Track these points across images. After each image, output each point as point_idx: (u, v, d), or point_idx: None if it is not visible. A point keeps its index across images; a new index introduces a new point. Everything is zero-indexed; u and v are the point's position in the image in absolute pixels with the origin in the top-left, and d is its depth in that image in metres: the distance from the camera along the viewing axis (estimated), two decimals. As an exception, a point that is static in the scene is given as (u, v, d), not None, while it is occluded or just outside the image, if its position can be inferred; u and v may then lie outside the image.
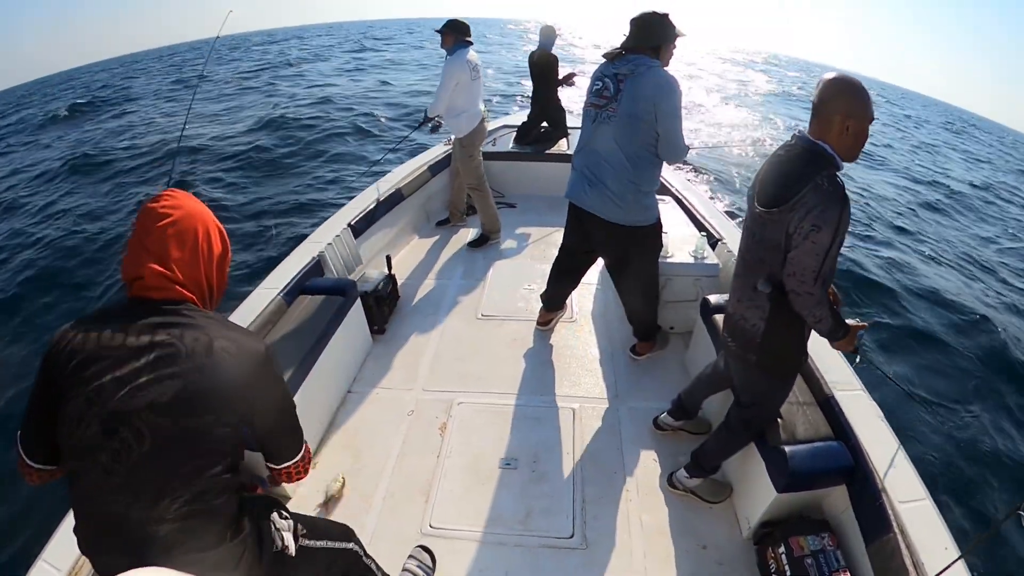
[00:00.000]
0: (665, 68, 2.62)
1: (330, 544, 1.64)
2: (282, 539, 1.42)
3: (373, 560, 1.85)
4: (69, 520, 1.84)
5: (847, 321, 1.85)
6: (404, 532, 2.44)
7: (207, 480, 1.18)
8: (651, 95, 2.54)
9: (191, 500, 1.15)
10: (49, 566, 1.76)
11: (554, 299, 3.65)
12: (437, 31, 4.25)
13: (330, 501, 2.56)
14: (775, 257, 1.80)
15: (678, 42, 2.69)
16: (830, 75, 1.70)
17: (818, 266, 1.66)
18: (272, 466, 1.45)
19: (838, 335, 1.82)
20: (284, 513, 1.49)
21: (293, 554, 1.43)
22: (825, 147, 1.68)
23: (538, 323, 3.78)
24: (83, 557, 1.67)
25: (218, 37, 3.12)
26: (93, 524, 1.17)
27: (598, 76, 2.75)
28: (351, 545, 1.73)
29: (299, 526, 1.51)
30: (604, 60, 2.75)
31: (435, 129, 4.54)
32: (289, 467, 1.45)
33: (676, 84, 2.57)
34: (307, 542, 1.54)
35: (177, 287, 1.21)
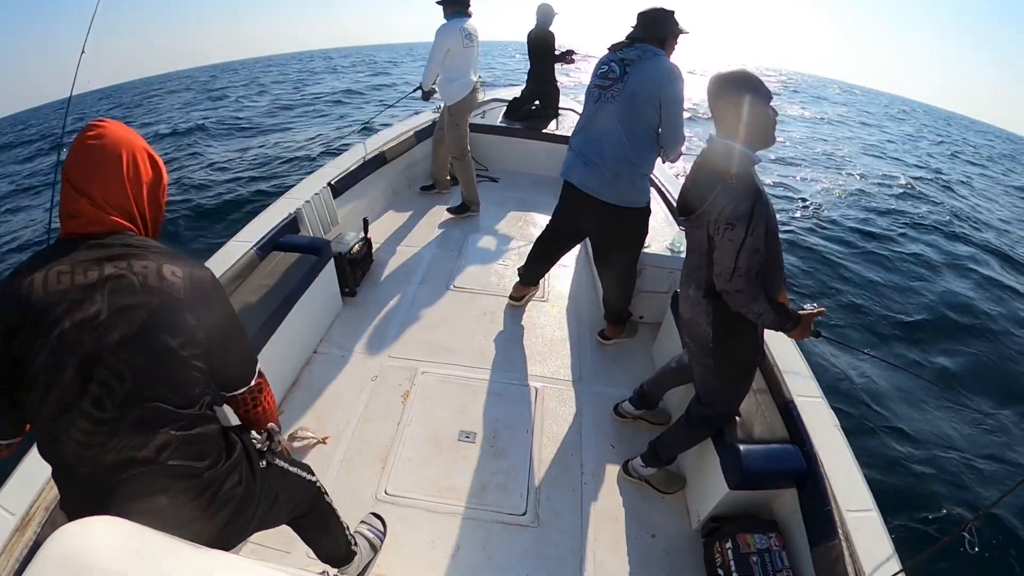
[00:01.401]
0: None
1: (299, 472, 1.65)
2: (260, 454, 1.44)
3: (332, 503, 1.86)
4: (24, 463, 1.78)
5: (802, 309, 1.88)
6: (359, 497, 2.44)
7: (195, 403, 1.18)
8: (657, 79, 2.61)
9: (186, 426, 1.14)
10: (3, 511, 1.68)
11: (530, 274, 3.66)
12: (437, 2, 4.18)
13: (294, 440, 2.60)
14: (704, 260, 1.84)
15: (681, 39, 2.76)
16: (714, 75, 1.73)
17: (733, 262, 1.68)
18: (226, 395, 1.43)
19: (787, 327, 1.85)
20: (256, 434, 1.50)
21: (264, 466, 1.44)
22: (735, 145, 1.70)
23: (511, 297, 3.79)
24: (39, 500, 1.65)
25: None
26: (88, 484, 1.10)
27: (604, 61, 2.80)
28: (315, 480, 1.73)
29: (272, 443, 1.52)
30: (609, 50, 2.81)
31: (427, 96, 4.46)
32: (244, 394, 1.44)
33: (679, 72, 2.63)
34: (280, 462, 1.55)
35: (111, 217, 1.17)
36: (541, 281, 3.86)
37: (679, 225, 2.00)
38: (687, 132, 2.83)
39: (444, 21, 4.15)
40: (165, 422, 1.11)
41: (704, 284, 1.90)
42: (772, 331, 1.92)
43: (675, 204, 4.09)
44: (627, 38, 2.75)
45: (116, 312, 1.07)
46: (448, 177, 5.27)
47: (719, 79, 1.70)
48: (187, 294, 1.17)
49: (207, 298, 1.23)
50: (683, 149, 2.81)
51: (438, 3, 4.17)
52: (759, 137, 1.71)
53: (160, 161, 1.29)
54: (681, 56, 2.79)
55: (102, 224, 1.15)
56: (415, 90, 4.57)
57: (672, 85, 2.61)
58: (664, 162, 2.92)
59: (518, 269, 3.70)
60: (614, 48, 2.78)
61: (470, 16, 4.20)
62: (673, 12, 2.68)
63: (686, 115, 2.76)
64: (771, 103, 1.71)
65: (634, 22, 2.74)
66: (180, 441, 1.13)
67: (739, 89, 1.67)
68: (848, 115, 30.88)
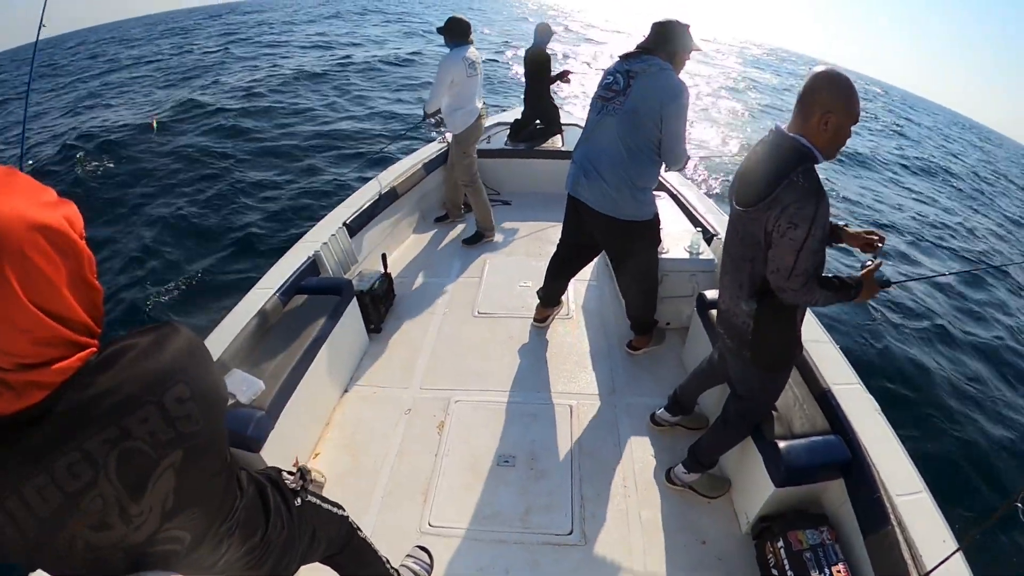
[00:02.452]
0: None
1: (331, 508, 1.65)
2: (294, 493, 1.43)
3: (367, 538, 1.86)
4: None
5: (861, 273, 1.86)
6: (403, 531, 2.44)
7: (230, 491, 1.12)
8: (659, 95, 2.57)
9: (231, 514, 1.11)
10: None
11: (550, 295, 3.66)
12: (438, 30, 4.25)
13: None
14: (757, 253, 1.81)
15: (692, 55, 2.73)
16: (818, 68, 1.69)
17: (800, 262, 1.66)
18: None
19: (850, 297, 1.82)
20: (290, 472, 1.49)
21: (299, 504, 1.43)
22: (802, 141, 1.67)
23: (534, 320, 3.78)
24: None
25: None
26: None
27: (610, 71, 2.78)
28: (347, 515, 1.74)
29: (305, 481, 1.50)
30: (619, 59, 2.77)
31: (439, 125, 4.55)
32: None
33: (685, 89, 2.60)
34: (313, 499, 1.54)
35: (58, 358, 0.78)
36: (563, 299, 3.86)
37: (732, 215, 1.97)
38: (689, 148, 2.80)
39: (447, 50, 4.22)
40: (217, 523, 1.07)
41: (750, 277, 1.88)
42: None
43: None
44: (637, 47, 2.71)
45: (137, 468, 0.87)
46: (462, 206, 5.31)
47: (827, 77, 1.65)
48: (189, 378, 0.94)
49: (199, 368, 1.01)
50: (687, 164, 2.79)
51: (439, 31, 4.23)
52: (830, 146, 1.68)
53: (67, 235, 0.77)
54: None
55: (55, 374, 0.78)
56: (422, 121, 4.66)
57: (674, 102, 2.57)
58: (667, 171, 2.90)
59: (537, 292, 3.71)
60: (624, 57, 2.74)
61: (471, 44, 4.26)
62: (688, 27, 2.64)
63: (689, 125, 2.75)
64: (854, 124, 1.67)
65: (648, 31, 2.71)
66: (234, 528, 1.12)
67: (840, 95, 1.62)
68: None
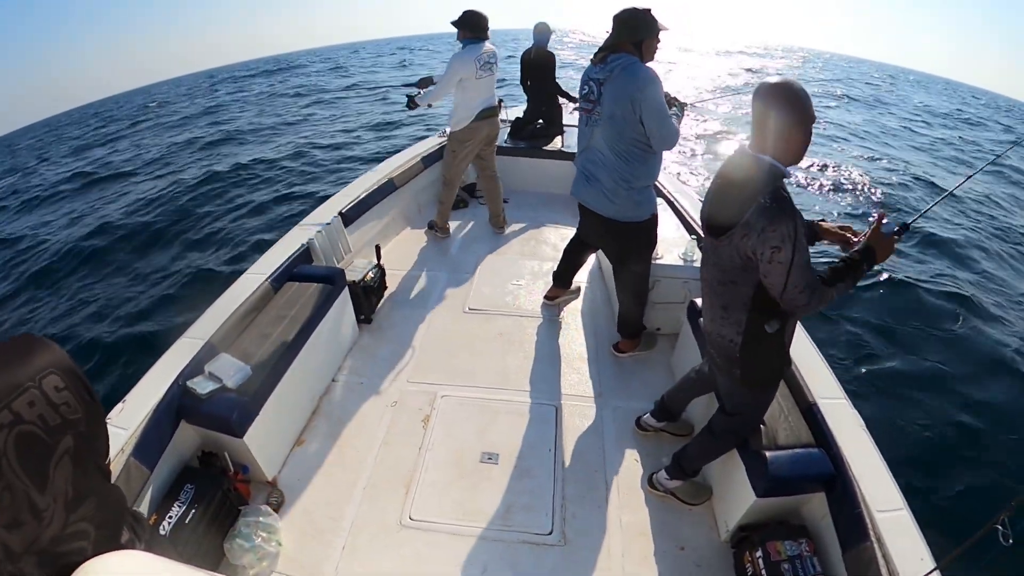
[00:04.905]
0: (647, 63, 2.65)
1: None
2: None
3: None
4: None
5: (866, 237, 1.81)
6: (384, 523, 2.44)
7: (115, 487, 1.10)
8: (628, 92, 2.58)
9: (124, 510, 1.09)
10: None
11: (560, 274, 3.81)
12: (453, 23, 4.09)
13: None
14: (738, 276, 1.80)
15: (662, 36, 2.70)
16: (763, 84, 1.68)
17: (787, 281, 1.64)
18: None
19: (866, 269, 1.78)
20: None
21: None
22: (766, 159, 1.66)
23: (545, 297, 3.93)
24: None
25: None
26: None
27: (585, 80, 2.81)
28: None
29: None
30: (590, 63, 2.78)
31: (411, 107, 4.29)
32: None
33: (651, 75, 2.59)
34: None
35: None
36: (580, 287, 4.04)
37: (705, 241, 1.95)
38: (681, 127, 2.79)
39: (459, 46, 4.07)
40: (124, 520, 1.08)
41: (734, 300, 1.86)
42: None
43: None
44: (603, 47, 2.71)
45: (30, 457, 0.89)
46: (464, 197, 5.30)
47: (773, 91, 1.64)
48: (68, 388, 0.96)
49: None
50: (679, 140, 2.76)
51: (453, 24, 4.08)
52: (792, 154, 1.67)
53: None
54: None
55: None
56: (408, 102, 4.35)
57: (643, 91, 2.56)
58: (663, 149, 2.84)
59: (553, 273, 3.85)
60: (594, 62, 2.75)
61: (487, 40, 4.09)
62: (649, 11, 2.62)
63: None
64: (813, 124, 1.66)
65: (612, 24, 2.69)
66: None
67: (790, 106, 1.62)
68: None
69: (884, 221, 1.79)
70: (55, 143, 24.58)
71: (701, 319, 2.78)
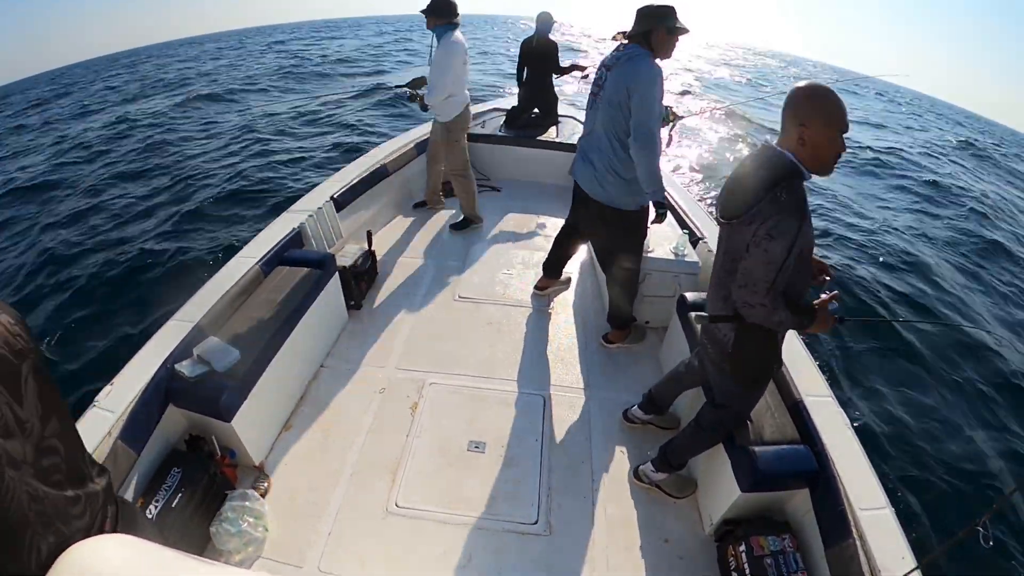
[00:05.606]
0: (656, 58, 2.66)
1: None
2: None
3: None
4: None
5: (815, 302, 1.84)
6: (370, 509, 2.44)
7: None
8: (625, 81, 2.64)
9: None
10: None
11: (549, 264, 3.83)
12: (422, 11, 4.01)
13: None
14: (737, 267, 1.80)
15: (681, 38, 2.70)
16: (798, 83, 1.66)
17: (771, 277, 1.62)
18: None
19: (805, 325, 1.79)
20: None
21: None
22: (788, 156, 1.65)
23: (536, 287, 3.97)
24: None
25: None
26: None
27: (599, 65, 2.88)
28: None
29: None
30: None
31: (424, 107, 4.35)
32: None
33: (652, 71, 2.61)
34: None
35: None
36: (569, 277, 4.09)
37: (721, 225, 1.95)
38: (665, 134, 2.81)
39: (433, 31, 4.04)
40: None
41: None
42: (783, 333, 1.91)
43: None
44: (624, 37, 2.76)
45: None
46: (441, 194, 5.21)
47: (802, 91, 1.62)
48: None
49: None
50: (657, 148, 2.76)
51: (423, 12, 4.01)
52: (816, 160, 1.64)
53: None
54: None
55: None
56: (410, 99, 4.41)
57: (638, 81, 2.60)
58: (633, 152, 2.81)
59: (543, 263, 3.87)
60: (614, 51, 2.81)
61: (458, 26, 4.07)
62: (665, 7, 2.62)
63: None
64: (843, 133, 1.62)
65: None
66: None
67: (815, 108, 1.59)
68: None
69: (833, 302, 1.85)
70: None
71: (694, 312, 2.81)
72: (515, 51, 6.48)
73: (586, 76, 5.77)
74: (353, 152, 8.54)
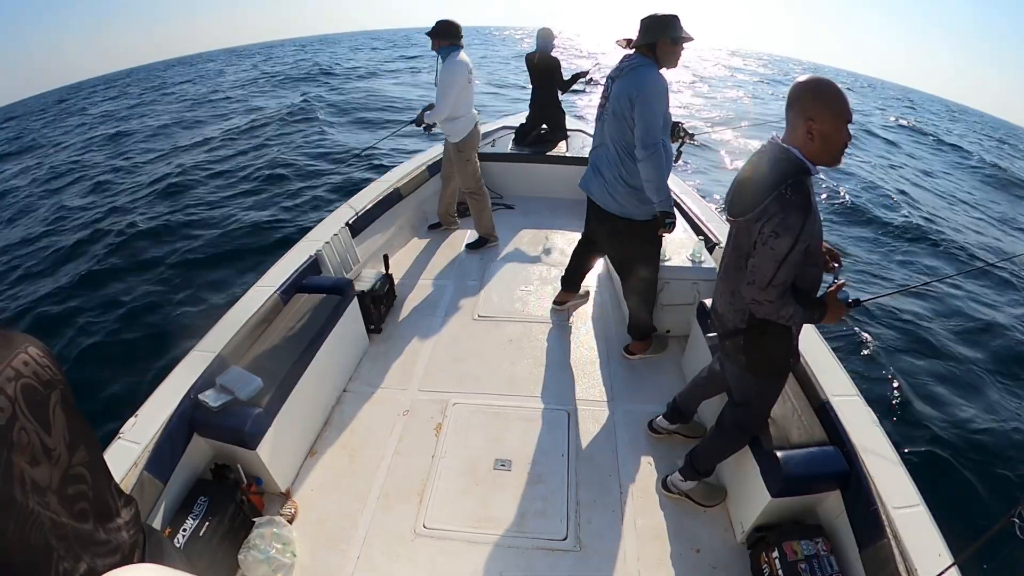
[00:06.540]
0: (660, 68, 2.67)
1: None
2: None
3: None
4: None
5: (824, 293, 1.83)
6: (398, 532, 2.44)
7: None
8: (628, 91, 2.64)
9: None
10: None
11: (568, 278, 3.81)
12: (427, 34, 4.12)
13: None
14: (745, 263, 1.80)
15: (686, 46, 2.71)
16: (800, 77, 1.66)
17: (773, 272, 1.64)
18: None
19: (815, 318, 1.78)
20: None
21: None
22: (793, 152, 1.65)
23: (554, 302, 3.95)
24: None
25: None
26: None
27: (607, 76, 2.87)
28: None
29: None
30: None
31: (428, 130, 4.41)
32: None
33: (655, 80, 2.61)
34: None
35: None
36: (588, 291, 4.08)
37: (730, 222, 1.95)
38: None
39: (438, 52, 4.12)
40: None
41: (741, 287, 1.85)
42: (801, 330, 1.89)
43: (692, 218, 4.09)
44: (629, 45, 2.76)
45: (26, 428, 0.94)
46: (455, 214, 5.26)
47: (805, 85, 1.62)
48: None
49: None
50: (668, 158, 2.77)
51: (429, 35, 4.11)
52: (823, 154, 1.64)
53: None
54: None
55: None
56: (416, 123, 4.39)
57: (641, 91, 2.59)
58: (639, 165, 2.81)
59: (561, 278, 3.86)
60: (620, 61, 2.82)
61: (463, 48, 4.15)
62: (669, 17, 2.62)
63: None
64: (847, 124, 1.61)
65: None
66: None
67: (818, 101, 1.59)
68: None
69: (842, 288, 1.82)
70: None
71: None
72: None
73: (590, 81, 5.80)
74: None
